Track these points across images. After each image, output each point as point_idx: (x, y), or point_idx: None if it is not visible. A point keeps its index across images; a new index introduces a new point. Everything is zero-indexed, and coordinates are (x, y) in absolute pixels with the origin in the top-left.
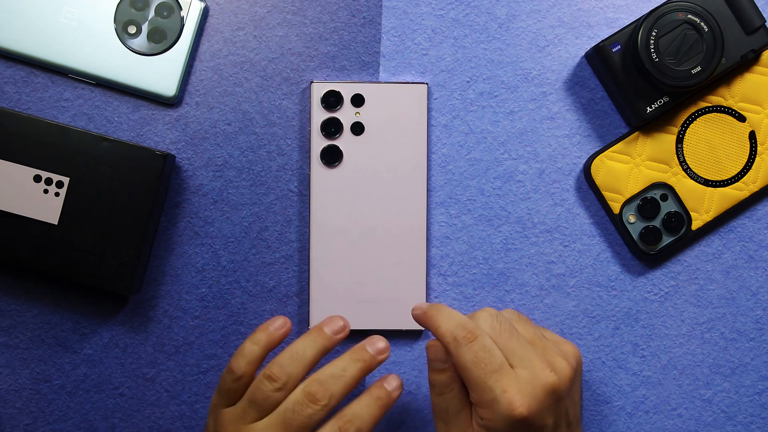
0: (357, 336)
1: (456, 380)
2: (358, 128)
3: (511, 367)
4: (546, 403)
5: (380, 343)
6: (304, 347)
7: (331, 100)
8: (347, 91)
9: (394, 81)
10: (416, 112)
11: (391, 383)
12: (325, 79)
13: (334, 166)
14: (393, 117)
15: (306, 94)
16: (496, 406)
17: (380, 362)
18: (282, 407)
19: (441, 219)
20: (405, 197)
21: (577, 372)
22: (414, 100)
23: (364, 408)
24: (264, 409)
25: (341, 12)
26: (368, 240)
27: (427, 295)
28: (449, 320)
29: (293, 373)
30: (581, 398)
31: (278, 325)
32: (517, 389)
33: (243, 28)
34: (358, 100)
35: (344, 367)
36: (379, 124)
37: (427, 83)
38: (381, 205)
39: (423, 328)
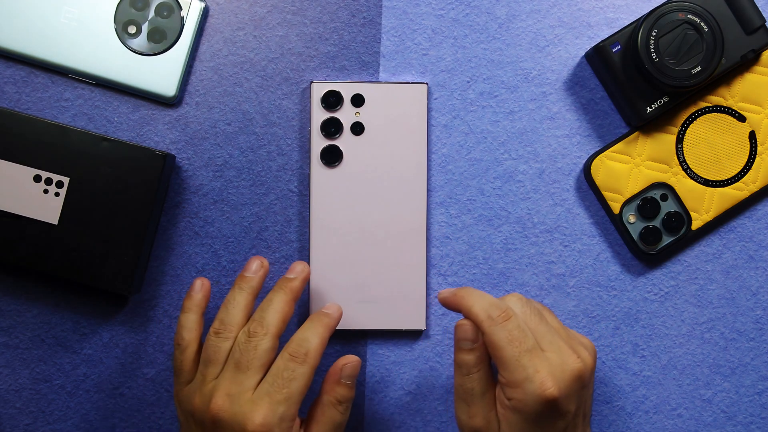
0: (358, 337)
1: (483, 361)
2: (358, 128)
3: (541, 350)
4: (572, 389)
5: (297, 266)
6: (234, 296)
7: (331, 100)
8: (347, 91)
9: (394, 81)
10: (416, 112)
11: (330, 308)
12: (325, 79)
13: (334, 166)
14: (393, 117)
15: (306, 94)
16: (528, 386)
17: (304, 280)
18: (231, 353)
19: (441, 219)
20: (405, 197)
21: (594, 364)
22: (414, 100)
23: (308, 331)
24: (218, 363)
25: (341, 12)
26: (368, 240)
27: (427, 295)
28: (482, 300)
29: (233, 320)
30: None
31: (197, 287)
32: (548, 371)
33: (243, 28)
34: (358, 100)
35: (271, 299)
36: (379, 124)
37: (427, 83)
38: (381, 205)
39: (422, 328)
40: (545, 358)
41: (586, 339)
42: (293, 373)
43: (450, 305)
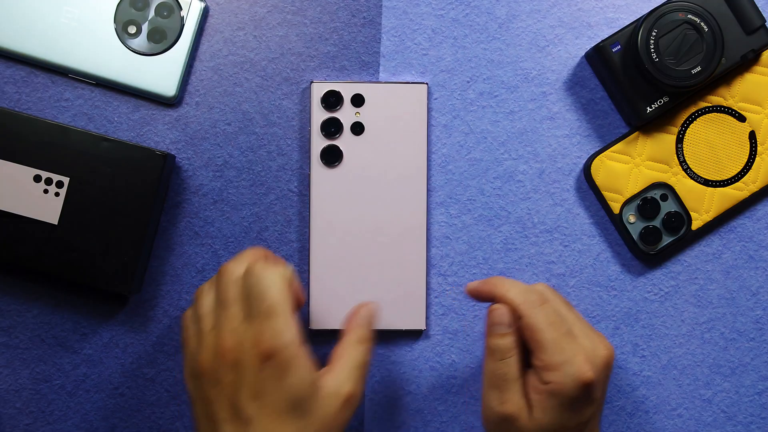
0: None
1: (518, 346)
2: (358, 128)
3: (574, 335)
4: (602, 375)
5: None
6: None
7: (331, 100)
8: (347, 91)
9: (394, 81)
10: (416, 112)
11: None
12: (325, 79)
13: (334, 166)
14: (393, 117)
15: (306, 94)
16: (567, 369)
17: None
18: (215, 298)
19: (441, 219)
20: (405, 197)
21: None
22: (414, 100)
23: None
24: (208, 314)
25: (341, 12)
26: (368, 240)
27: (427, 295)
28: (517, 285)
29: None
30: None
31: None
32: (584, 355)
33: (243, 28)
34: (358, 100)
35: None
36: (379, 124)
37: (427, 83)
38: (381, 205)
39: (422, 328)
40: (579, 343)
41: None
42: (264, 281)
43: (482, 294)
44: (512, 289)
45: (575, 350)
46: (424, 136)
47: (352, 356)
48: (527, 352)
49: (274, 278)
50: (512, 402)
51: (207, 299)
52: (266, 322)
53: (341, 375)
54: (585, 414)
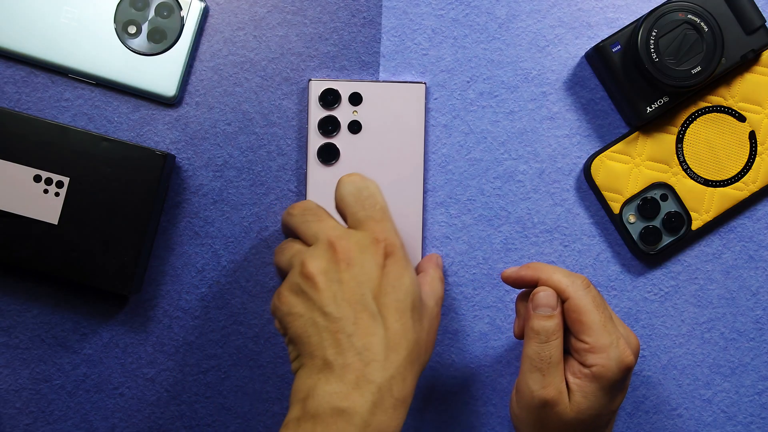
0: None
1: (561, 329)
2: (355, 127)
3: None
4: (634, 363)
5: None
6: None
7: (329, 98)
8: (345, 89)
9: (392, 80)
10: (414, 111)
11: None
12: (324, 78)
13: (331, 165)
14: (391, 116)
15: (306, 93)
16: (613, 352)
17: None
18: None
19: (441, 219)
20: (402, 196)
21: None
22: (412, 100)
23: None
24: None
25: (341, 12)
26: None
27: None
28: (560, 270)
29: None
30: None
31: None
32: (625, 340)
33: (243, 28)
34: (355, 99)
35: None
36: (376, 122)
37: (425, 83)
38: None
39: None
40: (618, 329)
41: None
42: (372, 187)
43: (523, 279)
44: (557, 273)
45: (618, 335)
46: (421, 135)
47: (436, 288)
48: (567, 337)
49: (375, 186)
50: (554, 386)
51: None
52: (382, 222)
53: (431, 288)
54: (617, 402)
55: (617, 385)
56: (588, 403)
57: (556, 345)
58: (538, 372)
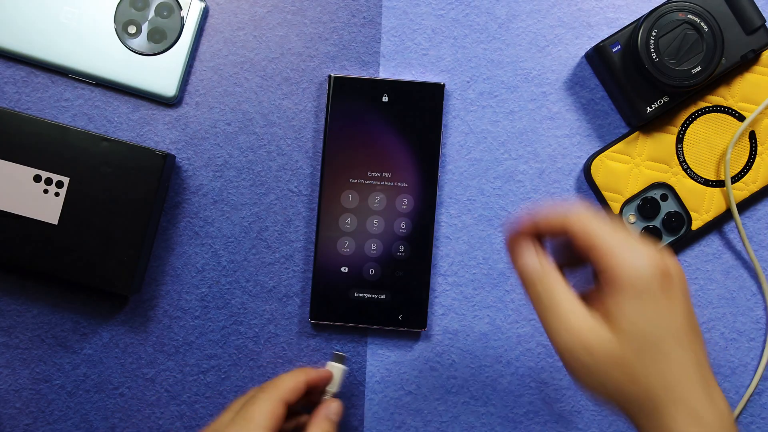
0: (358, 336)
1: (550, 266)
2: None
3: None
4: (666, 265)
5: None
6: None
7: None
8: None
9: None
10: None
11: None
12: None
13: None
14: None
15: (306, 93)
16: (635, 260)
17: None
18: None
19: (441, 219)
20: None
21: None
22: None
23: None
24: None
25: (341, 12)
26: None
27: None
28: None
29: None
30: None
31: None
32: (655, 248)
33: (243, 28)
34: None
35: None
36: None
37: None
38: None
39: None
40: (645, 243)
41: None
42: (253, 399)
43: (541, 228)
44: (551, 214)
45: (641, 243)
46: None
47: None
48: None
49: (264, 400)
50: (578, 328)
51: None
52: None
53: None
54: (668, 313)
55: (658, 294)
56: (630, 322)
57: (559, 282)
58: (557, 320)
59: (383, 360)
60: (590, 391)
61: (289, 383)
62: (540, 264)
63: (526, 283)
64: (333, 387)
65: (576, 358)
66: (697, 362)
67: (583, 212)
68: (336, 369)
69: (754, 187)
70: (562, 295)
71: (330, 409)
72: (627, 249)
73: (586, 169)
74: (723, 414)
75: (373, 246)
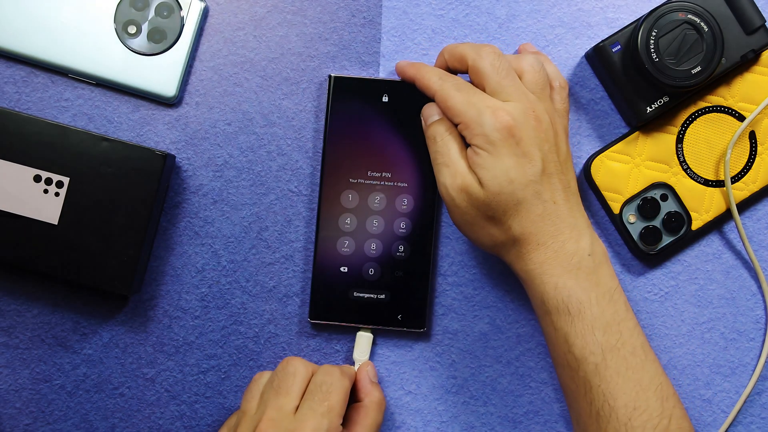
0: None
1: (452, 127)
2: None
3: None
4: (511, 122)
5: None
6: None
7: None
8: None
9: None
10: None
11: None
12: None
13: None
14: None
15: (306, 93)
16: (481, 118)
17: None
18: (269, 383)
19: (441, 219)
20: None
21: (566, 107)
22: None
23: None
24: (255, 397)
25: (341, 12)
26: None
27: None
28: (429, 72)
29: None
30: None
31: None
32: (494, 105)
33: (243, 28)
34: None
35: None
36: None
37: None
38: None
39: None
40: (487, 100)
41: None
42: (331, 386)
43: (404, 76)
44: (428, 74)
45: (486, 105)
46: None
47: (373, 420)
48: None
49: (343, 387)
50: (460, 174)
51: (262, 379)
52: (315, 420)
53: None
54: (522, 167)
55: (509, 147)
56: (489, 175)
57: (451, 140)
58: (446, 167)
59: (383, 360)
60: (467, 234)
61: (352, 379)
62: (444, 124)
63: (429, 139)
64: (363, 355)
65: (456, 199)
66: (554, 211)
67: (448, 89)
68: (364, 338)
69: (754, 187)
70: (455, 149)
71: (371, 372)
72: (474, 110)
73: (586, 169)
74: (581, 250)
75: (373, 246)
